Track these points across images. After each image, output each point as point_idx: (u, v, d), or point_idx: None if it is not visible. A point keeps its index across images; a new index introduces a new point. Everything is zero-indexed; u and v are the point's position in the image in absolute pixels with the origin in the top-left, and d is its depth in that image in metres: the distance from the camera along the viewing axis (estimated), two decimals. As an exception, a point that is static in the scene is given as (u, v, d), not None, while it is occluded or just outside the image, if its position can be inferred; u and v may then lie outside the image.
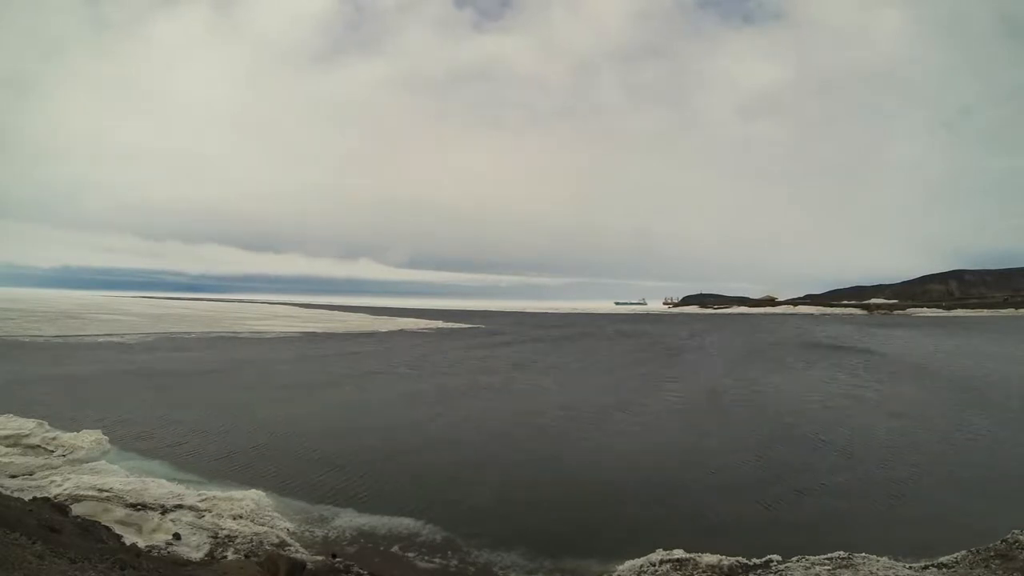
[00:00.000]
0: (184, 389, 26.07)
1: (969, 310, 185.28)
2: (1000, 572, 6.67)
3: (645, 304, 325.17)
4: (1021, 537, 7.20)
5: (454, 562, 9.64)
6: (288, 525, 10.68)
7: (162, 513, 10.44)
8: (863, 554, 7.81)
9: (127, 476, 12.48)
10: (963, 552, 7.50)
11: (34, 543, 5.86)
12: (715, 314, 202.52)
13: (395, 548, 10.07)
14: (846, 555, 7.80)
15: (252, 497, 11.37)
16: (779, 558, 8.18)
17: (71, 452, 14.34)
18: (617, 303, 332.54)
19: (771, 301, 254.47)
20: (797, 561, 7.92)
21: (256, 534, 9.95)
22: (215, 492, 11.63)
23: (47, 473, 12.66)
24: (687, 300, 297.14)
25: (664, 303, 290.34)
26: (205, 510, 10.78)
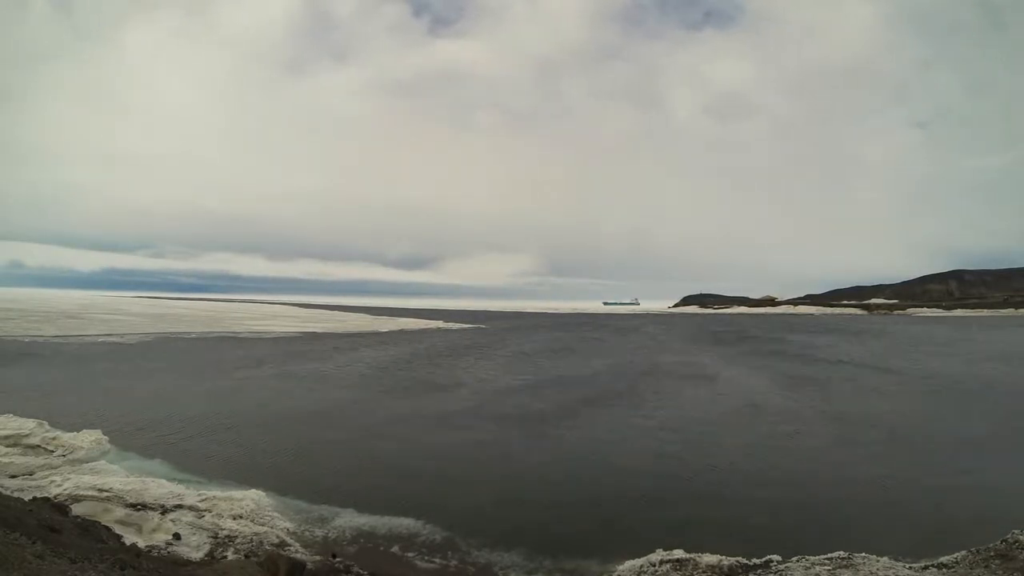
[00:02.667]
0: (184, 389, 26.05)
1: (969, 310, 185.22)
2: (1000, 572, 6.67)
3: (638, 304, 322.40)
4: (1021, 537, 7.20)
5: (454, 562, 9.63)
6: (288, 525, 10.67)
7: (162, 513, 10.44)
8: (863, 554, 7.80)
9: (127, 476, 12.47)
10: (963, 552, 7.50)
11: (34, 543, 5.86)
12: (715, 314, 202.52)
13: (395, 548, 10.07)
14: (846, 555, 7.79)
15: (252, 497, 11.36)
16: (779, 558, 8.18)
17: (71, 452, 14.34)
18: (605, 303, 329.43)
19: (771, 301, 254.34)
20: (797, 561, 7.92)
21: (256, 534, 9.95)
22: (215, 492, 11.63)
23: (47, 473, 12.66)
24: (687, 300, 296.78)
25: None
26: (205, 510, 10.77)
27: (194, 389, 26.15)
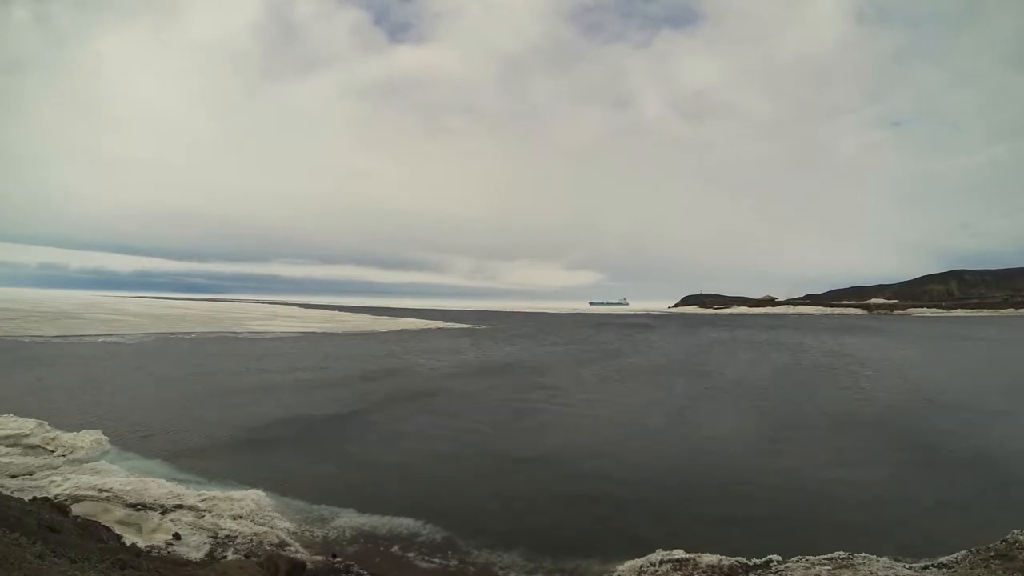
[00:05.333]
0: (184, 389, 26.06)
1: (969, 310, 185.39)
2: (1000, 572, 6.66)
3: (626, 304, 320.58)
4: (1021, 537, 7.19)
5: (454, 562, 9.63)
6: (288, 525, 10.67)
7: (162, 513, 10.45)
8: (863, 554, 7.80)
9: (127, 476, 12.48)
10: (963, 552, 7.49)
11: (34, 543, 5.86)
12: (715, 314, 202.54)
13: (395, 548, 10.06)
14: (846, 555, 7.79)
15: (252, 497, 11.36)
16: (779, 558, 8.18)
17: (71, 452, 14.36)
18: (592, 303, 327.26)
19: (771, 301, 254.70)
20: (797, 561, 7.91)
21: (256, 534, 9.95)
22: (215, 492, 11.62)
23: (47, 473, 12.66)
24: (687, 300, 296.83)
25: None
26: (205, 510, 10.78)
27: (194, 389, 26.15)
